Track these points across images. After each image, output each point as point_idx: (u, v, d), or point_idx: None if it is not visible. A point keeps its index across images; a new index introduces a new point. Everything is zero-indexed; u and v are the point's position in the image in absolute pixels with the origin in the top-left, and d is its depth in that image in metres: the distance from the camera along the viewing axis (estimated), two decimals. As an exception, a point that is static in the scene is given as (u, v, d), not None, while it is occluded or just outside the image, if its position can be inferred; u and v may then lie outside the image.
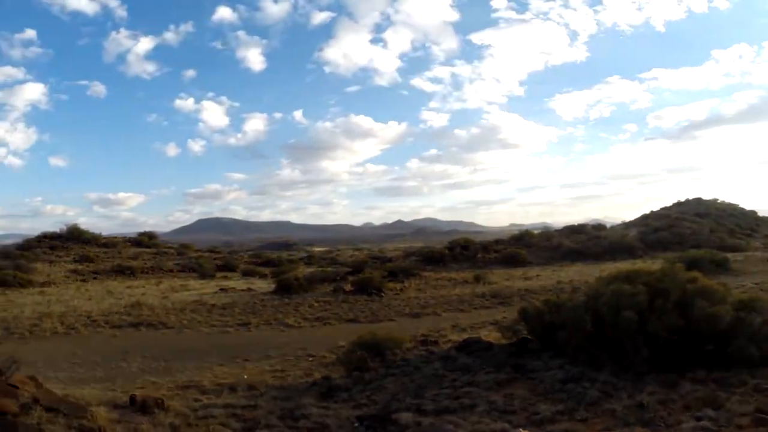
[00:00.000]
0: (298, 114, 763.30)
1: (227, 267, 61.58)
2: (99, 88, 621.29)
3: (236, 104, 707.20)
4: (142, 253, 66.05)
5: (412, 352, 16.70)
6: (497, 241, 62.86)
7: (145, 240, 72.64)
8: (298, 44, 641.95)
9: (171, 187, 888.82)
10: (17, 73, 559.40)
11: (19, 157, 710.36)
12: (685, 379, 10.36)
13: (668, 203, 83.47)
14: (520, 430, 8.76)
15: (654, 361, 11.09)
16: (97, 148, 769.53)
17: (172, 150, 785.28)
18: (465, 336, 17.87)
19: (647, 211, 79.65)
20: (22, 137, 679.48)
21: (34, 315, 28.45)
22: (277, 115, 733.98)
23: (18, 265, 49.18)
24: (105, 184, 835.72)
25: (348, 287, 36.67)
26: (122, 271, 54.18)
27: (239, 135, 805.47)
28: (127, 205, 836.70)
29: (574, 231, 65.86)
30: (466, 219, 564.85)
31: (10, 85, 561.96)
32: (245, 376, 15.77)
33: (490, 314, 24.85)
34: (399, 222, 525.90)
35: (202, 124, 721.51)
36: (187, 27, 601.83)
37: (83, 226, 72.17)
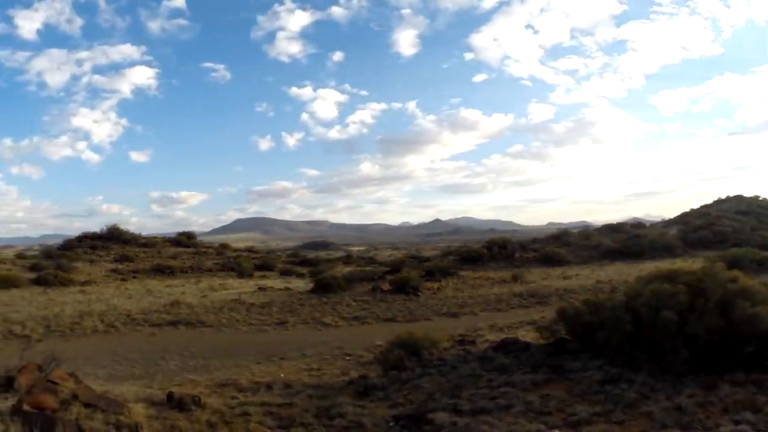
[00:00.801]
0: (411, 105, 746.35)
1: (265, 266, 61.95)
2: (223, 73, 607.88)
3: (362, 92, 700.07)
4: (181, 252, 66.75)
5: (449, 351, 16.64)
6: (535, 240, 62.40)
7: (185, 240, 73.40)
8: (458, 27, 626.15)
9: (238, 185, 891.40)
10: (134, 52, 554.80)
11: (99, 152, 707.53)
12: (724, 382, 10.16)
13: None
14: (556, 431, 8.69)
15: (693, 363, 10.92)
16: (186, 142, 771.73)
17: (265, 144, 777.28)
18: (502, 336, 17.78)
19: (688, 209, 78.38)
20: (108, 129, 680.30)
21: (75, 313, 28.88)
22: (394, 106, 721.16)
23: (59, 265, 50.12)
24: (176, 181, 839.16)
25: (386, 286, 36.65)
26: (162, 271, 54.80)
27: (340, 127, 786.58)
28: (187, 203, 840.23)
29: (613, 230, 65.23)
30: (505, 218, 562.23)
31: (119, 67, 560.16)
32: (282, 375, 15.86)
33: (528, 314, 24.68)
34: (437, 221, 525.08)
35: (307, 115, 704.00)
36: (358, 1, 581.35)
37: (135, 226, 73.76)
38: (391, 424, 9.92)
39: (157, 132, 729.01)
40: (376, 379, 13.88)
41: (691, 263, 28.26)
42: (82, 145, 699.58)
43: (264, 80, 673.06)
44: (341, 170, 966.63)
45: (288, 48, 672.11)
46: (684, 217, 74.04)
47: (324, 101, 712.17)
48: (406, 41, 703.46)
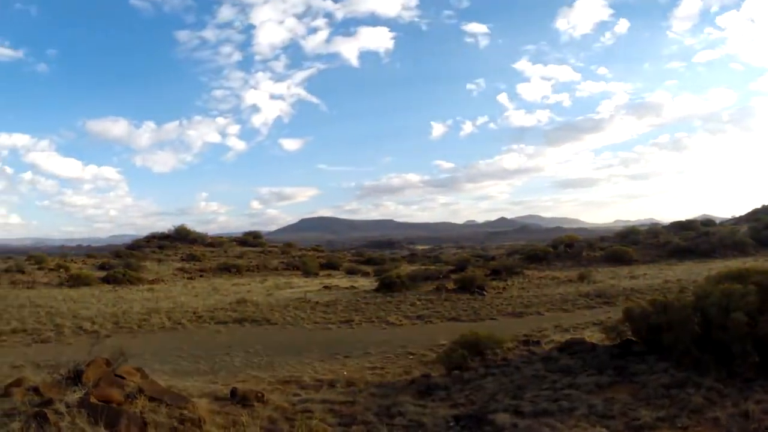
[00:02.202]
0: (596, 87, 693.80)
1: (330, 265, 62.49)
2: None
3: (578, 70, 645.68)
4: (247, 251, 67.78)
5: (513, 352, 16.53)
6: (602, 239, 61.42)
7: (251, 239, 74.51)
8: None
9: (352, 182, 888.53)
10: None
11: (247, 140, 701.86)
12: (795, 388, 9.84)
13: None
14: None
15: (763, 367, 10.60)
16: (353, 127, 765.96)
17: (438, 130, 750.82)
18: (567, 336, 17.57)
19: (758, 206, 75.54)
20: (279, 109, 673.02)
21: (143, 310, 29.70)
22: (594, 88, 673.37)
23: (128, 264, 51.58)
24: (312, 172, 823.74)
25: (450, 285, 36.65)
26: (228, 269, 55.89)
27: (523, 112, 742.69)
28: (295, 199, 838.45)
29: (682, 227, 63.54)
30: (571, 216, 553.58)
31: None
32: (345, 373, 15.98)
33: (594, 314, 24.30)
34: (503, 220, 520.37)
35: (509, 96, 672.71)
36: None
37: (217, 226, 75.31)
38: (451, 424, 9.90)
39: (320, 116, 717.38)
40: (439, 379, 13.88)
41: (763, 262, 27.48)
42: (234, 128, 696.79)
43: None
44: (469, 164, 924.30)
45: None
46: (754, 213, 71.50)
47: (537, 81, 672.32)
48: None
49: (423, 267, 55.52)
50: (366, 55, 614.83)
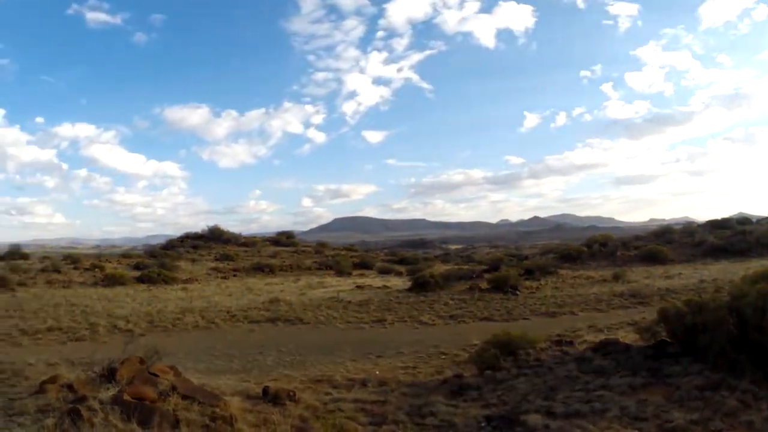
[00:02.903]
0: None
1: (363, 265, 62.62)
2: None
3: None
4: (280, 251, 68.17)
5: (546, 352, 16.40)
6: (637, 238, 60.69)
7: (284, 239, 74.91)
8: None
9: (414, 178, 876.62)
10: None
11: (329, 131, 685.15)
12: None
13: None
14: None
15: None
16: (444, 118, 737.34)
17: (531, 121, 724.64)
18: (601, 337, 17.39)
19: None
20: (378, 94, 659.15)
21: (177, 310, 30.07)
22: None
23: (162, 264, 52.23)
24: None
25: (484, 285, 36.54)
26: (261, 269, 56.28)
27: (623, 103, 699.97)
28: (349, 197, 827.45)
29: (717, 226, 62.44)
30: (605, 214, 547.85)
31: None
32: (377, 372, 16.02)
33: (629, 314, 24.04)
34: (536, 219, 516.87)
35: (615, 85, 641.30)
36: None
37: (257, 226, 75.80)
38: (483, 424, 9.89)
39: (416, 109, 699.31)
40: (471, 379, 13.86)
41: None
42: (318, 118, 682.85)
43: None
44: (545, 158, 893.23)
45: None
46: (794, 211, 69.89)
47: (651, 69, 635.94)
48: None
49: (456, 266, 55.47)
50: (502, 35, 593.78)
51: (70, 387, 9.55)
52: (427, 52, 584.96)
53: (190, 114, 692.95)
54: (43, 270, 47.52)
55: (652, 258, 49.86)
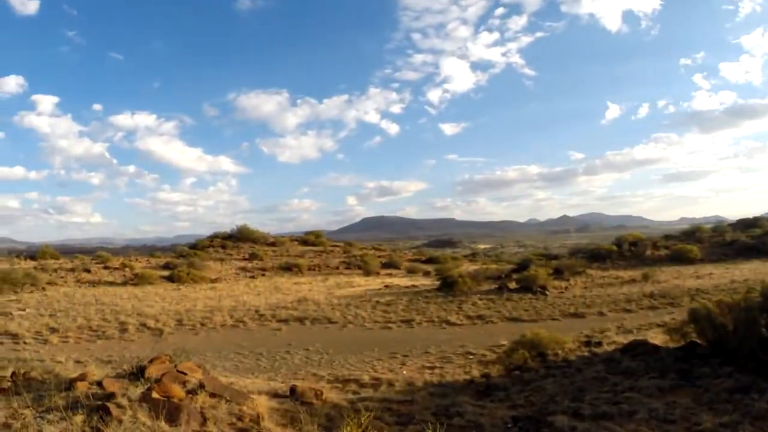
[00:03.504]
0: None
1: (391, 264, 62.55)
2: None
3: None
4: (308, 251, 68.37)
5: (574, 353, 16.37)
6: (667, 237, 60.09)
7: (312, 238, 75.08)
8: None
9: (467, 174, 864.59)
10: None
11: (405, 123, 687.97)
12: None
13: None
14: None
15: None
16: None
17: (613, 112, 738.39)
18: (630, 338, 17.29)
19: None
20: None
21: (206, 309, 30.34)
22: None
23: (191, 263, 52.70)
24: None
25: (512, 285, 36.39)
26: (289, 269, 56.44)
27: (710, 94, 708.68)
28: (397, 195, 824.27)
29: (748, 225, 61.52)
30: (635, 213, 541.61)
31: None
32: (404, 372, 16.07)
33: (658, 315, 23.89)
34: (565, 217, 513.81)
35: (708, 74, 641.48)
36: None
37: (291, 225, 76.16)
38: (509, 425, 9.87)
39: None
40: (498, 379, 13.86)
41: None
42: (396, 107, 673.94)
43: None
44: (605, 153, 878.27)
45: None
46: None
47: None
48: None
49: (484, 266, 55.29)
50: (627, 17, 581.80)
51: (99, 384, 9.64)
52: (539, 35, 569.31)
53: (265, 101, 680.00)
54: (73, 269, 48.15)
55: (682, 258, 49.28)
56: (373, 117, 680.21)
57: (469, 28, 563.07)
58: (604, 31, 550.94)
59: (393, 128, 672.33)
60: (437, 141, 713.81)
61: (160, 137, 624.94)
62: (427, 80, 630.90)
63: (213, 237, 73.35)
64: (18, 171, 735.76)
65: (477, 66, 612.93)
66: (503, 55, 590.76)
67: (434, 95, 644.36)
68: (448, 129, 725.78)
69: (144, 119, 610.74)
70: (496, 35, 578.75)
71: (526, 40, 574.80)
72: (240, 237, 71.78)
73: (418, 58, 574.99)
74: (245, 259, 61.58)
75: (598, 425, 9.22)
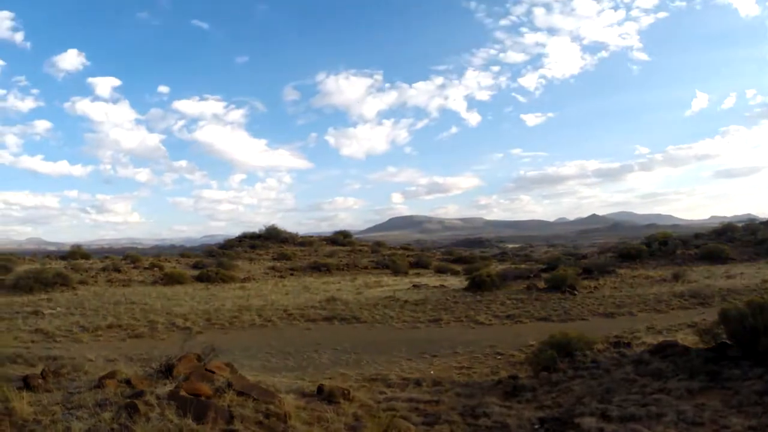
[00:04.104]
0: None
1: (420, 264, 62.64)
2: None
3: None
4: (337, 250, 68.65)
5: (603, 353, 16.22)
6: (697, 236, 59.41)
7: (341, 238, 75.41)
8: None
9: (522, 170, 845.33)
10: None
11: (486, 111, 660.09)
12: None
13: None
14: None
15: None
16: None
17: (700, 102, 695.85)
18: (660, 339, 17.15)
19: None
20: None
21: (235, 308, 30.59)
22: None
23: (220, 263, 53.19)
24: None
25: (541, 285, 36.28)
26: (318, 268, 56.72)
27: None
28: (448, 192, 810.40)
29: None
30: (664, 212, 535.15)
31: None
32: (431, 372, 16.11)
33: (689, 315, 23.67)
34: (594, 216, 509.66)
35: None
36: None
37: (322, 225, 76.58)
38: (536, 426, 9.86)
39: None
40: (526, 380, 13.82)
41: None
42: (483, 94, 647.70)
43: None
44: (667, 147, 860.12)
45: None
46: None
47: None
48: None
49: (513, 266, 55.17)
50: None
51: (128, 382, 9.82)
52: (661, 15, 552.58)
53: (353, 85, 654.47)
54: (103, 269, 48.77)
55: (713, 257, 48.74)
56: (458, 104, 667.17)
57: (597, 4, 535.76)
58: (734, 13, 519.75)
59: (474, 118, 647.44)
60: (514, 133, 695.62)
61: (225, 127, 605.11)
62: (529, 63, 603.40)
63: (242, 237, 73.97)
64: (62, 166, 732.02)
65: (587, 48, 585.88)
66: (620, 36, 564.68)
67: (529, 81, 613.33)
68: (531, 120, 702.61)
69: (211, 106, 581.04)
70: (621, 13, 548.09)
71: (647, 20, 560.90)
72: (269, 237, 72.35)
73: (531, 37, 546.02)
74: (274, 259, 62.02)
75: (625, 427, 9.18)
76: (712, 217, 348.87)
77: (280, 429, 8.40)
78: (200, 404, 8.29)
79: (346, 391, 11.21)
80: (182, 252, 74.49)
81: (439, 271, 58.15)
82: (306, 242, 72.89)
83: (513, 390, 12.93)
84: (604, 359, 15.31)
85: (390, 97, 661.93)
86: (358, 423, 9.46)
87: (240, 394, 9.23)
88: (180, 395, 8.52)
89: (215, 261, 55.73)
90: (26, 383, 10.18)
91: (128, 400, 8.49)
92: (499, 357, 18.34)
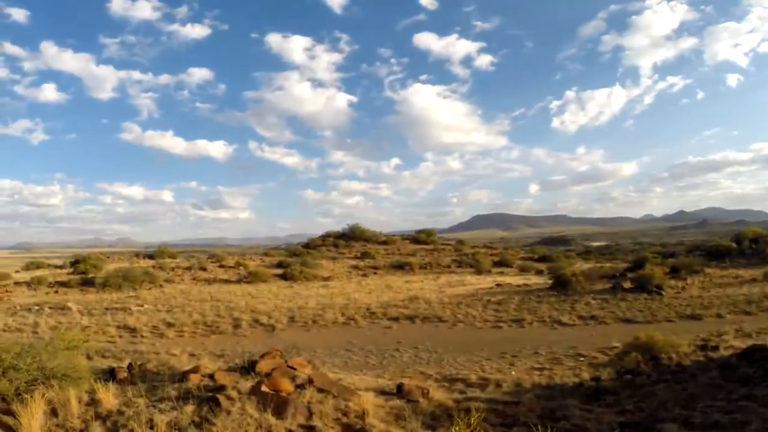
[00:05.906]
0: None
1: (503, 263, 62.27)
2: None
3: None
4: (419, 249, 68.83)
5: (689, 357, 15.92)
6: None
7: (423, 237, 75.55)
8: None
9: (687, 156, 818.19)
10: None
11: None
12: None
13: None
14: None
15: None
16: None
17: None
18: (749, 342, 16.69)
19: None
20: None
21: (317, 306, 31.19)
22: None
23: (304, 262, 54.12)
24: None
25: (627, 284, 35.62)
26: (401, 267, 57.04)
27: None
28: (602, 181, 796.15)
29: None
30: (755, 207, 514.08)
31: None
32: (512, 373, 16.09)
33: (781, 318, 22.94)
34: (681, 213, 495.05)
35: None
36: None
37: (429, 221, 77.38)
38: (616, 431, 9.79)
39: None
40: (608, 383, 13.67)
41: None
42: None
43: None
44: None
45: None
46: None
47: None
48: None
49: (598, 264, 54.32)
50: None
51: (211, 377, 10.17)
52: None
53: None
54: (189, 268, 50.31)
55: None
56: (730, 53, 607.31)
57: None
58: None
59: (732, 80, 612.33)
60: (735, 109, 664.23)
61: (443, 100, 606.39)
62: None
63: (325, 236, 75.01)
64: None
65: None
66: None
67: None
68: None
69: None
70: None
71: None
72: (352, 236, 73.11)
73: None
74: (357, 258, 62.73)
75: (708, 435, 9.04)
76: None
77: (358, 426, 8.60)
78: (280, 400, 8.58)
79: (425, 390, 11.34)
80: (266, 251, 76.03)
81: (523, 270, 57.73)
82: (389, 241, 73.34)
83: (594, 393, 12.82)
84: (690, 363, 15.04)
85: (680, 46, 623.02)
86: (435, 422, 9.58)
87: (320, 390, 9.50)
88: (261, 390, 8.83)
89: (299, 260, 56.73)
90: (113, 376, 10.69)
91: (210, 394, 8.87)
92: (581, 359, 18.21)
